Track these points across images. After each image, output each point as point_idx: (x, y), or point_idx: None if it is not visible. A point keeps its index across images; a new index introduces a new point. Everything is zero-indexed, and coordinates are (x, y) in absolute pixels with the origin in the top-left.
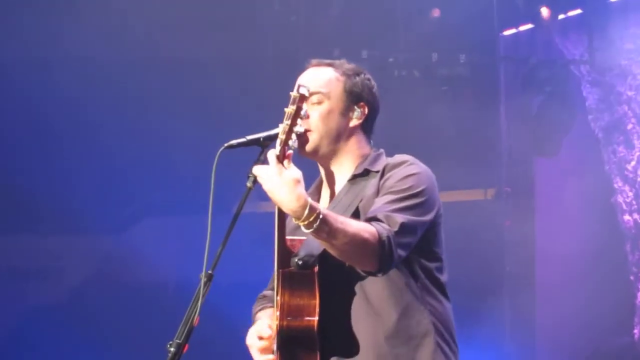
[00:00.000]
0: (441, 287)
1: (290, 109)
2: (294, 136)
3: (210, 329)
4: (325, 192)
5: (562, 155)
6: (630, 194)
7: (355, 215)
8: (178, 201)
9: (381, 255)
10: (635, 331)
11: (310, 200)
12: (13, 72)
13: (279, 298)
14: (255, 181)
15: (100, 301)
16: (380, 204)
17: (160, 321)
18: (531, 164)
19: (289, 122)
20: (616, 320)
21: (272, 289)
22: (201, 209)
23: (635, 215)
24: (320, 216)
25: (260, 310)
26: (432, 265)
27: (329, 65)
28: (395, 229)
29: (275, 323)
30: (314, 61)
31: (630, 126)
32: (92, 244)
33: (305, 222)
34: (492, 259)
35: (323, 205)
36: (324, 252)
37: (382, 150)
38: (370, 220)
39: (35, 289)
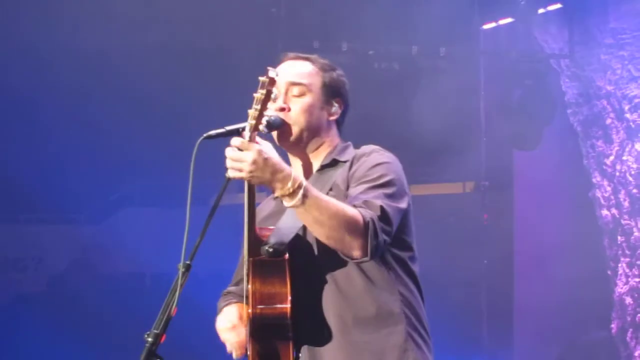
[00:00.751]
0: (413, 277)
1: (259, 94)
2: (264, 121)
3: (188, 318)
4: None
5: (541, 149)
6: (609, 188)
7: None
8: (157, 192)
9: (367, 237)
10: (613, 325)
11: (293, 171)
12: None
13: (250, 286)
14: None
15: (78, 291)
16: (355, 194)
17: (138, 311)
18: (510, 157)
19: (258, 106)
20: (594, 314)
21: (237, 285)
22: (180, 200)
23: (613, 210)
24: (304, 184)
25: (225, 305)
26: (404, 254)
27: (306, 59)
28: (378, 213)
29: (246, 312)
30: (290, 54)
31: (609, 121)
32: (70, 234)
33: (290, 191)
34: (471, 252)
35: None
36: (295, 239)
37: (349, 142)
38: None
39: (13, 279)
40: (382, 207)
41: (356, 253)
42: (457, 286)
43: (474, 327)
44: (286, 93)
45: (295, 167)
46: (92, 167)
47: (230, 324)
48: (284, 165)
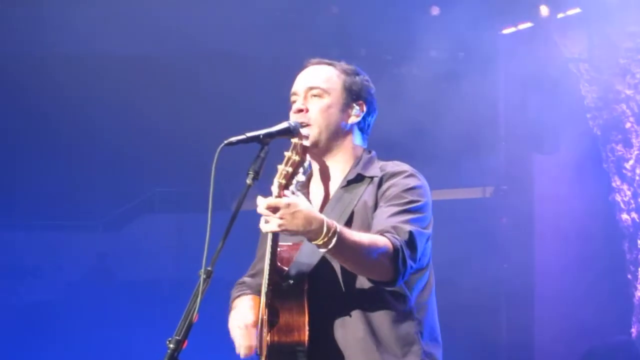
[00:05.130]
0: (429, 291)
1: (292, 154)
2: (295, 181)
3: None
4: (317, 187)
5: (560, 153)
6: (629, 192)
7: (350, 219)
8: (175, 198)
9: (397, 264)
10: (633, 329)
11: (325, 217)
12: (7, 68)
13: (266, 316)
14: (254, 178)
15: (95, 297)
16: (384, 217)
17: (157, 317)
18: (530, 161)
19: (290, 169)
20: (614, 318)
21: (252, 277)
22: (199, 206)
23: (633, 214)
24: (338, 229)
25: (238, 296)
26: (422, 273)
27: (329, 64)
28: (406, 238)
29: (261, 312)
30: (313, 60)
31: (628, 125)
32: (88, 240)
33: (325, 240)
34: (491, 256)
35: (315, 202)
36: (316, 266)
37: (373, 152)
38: (379, 232)
39: (30, 285)
40: (410, 233)
41: (384, 279)
42: (476, 290)
43: (494, 330)
44: (305, 97)
45: (316, 172)
46: (110, 174)
47: (243, 324)
48: (315, 215)
